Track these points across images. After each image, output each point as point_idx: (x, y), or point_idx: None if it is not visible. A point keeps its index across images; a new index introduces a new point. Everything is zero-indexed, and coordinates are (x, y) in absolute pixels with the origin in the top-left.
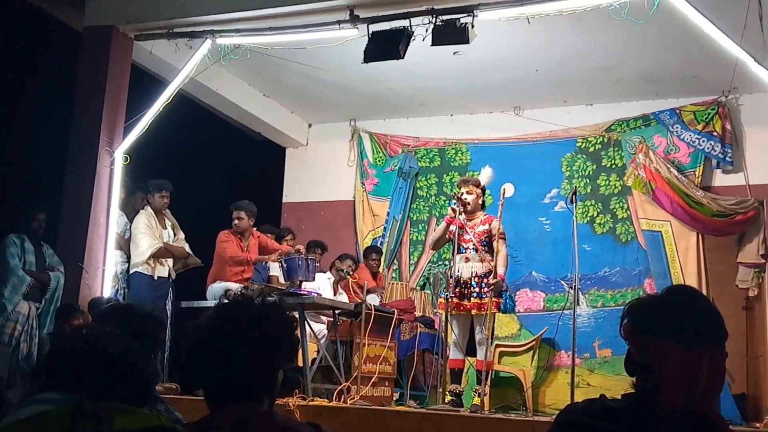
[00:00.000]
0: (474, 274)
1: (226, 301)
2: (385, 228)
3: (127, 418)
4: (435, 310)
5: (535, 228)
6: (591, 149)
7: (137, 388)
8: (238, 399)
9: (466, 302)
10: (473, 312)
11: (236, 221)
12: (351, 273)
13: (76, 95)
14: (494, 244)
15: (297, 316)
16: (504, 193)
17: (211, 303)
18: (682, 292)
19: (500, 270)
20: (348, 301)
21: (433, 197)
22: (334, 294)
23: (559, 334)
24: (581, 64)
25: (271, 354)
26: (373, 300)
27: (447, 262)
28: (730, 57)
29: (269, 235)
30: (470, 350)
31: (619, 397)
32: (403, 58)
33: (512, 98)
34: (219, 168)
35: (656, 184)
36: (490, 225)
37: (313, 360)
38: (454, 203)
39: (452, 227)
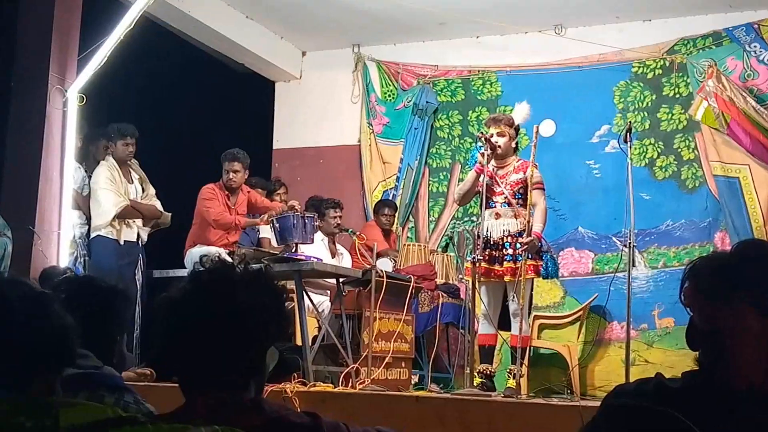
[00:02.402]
0: (506, 233)
1: (201, 268)
2: (398, 178)
3: (75, 412)
4: (460, 276)
5: (582, 174)
6: (649, 75)
7: (51, 348)
8: (218, 385)
9: (497, 267)
10: (506, 278)
11: (231, 175)
12: (355, 232)
13: (18, 23)
14: (530, 195)
15: (294, 286)
16: (537, 132)
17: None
18: (758, 247)
19: (537, 226)
20: (354, 267)
21: (457, 139)
22: (333, 257)
23: (611, 302)
24: None
25: (257, 331)
26: (384, 265)
27: (474, 219)
28: None
29: (259, 190)
30: (503, 323)
31: (680, 376)
32: None
33: (552, 14)
34: (194, 109)
35: (731, 116)
36: (525, 173)
37: (314, 338)
38: (482, 146)
39: (481, 179)
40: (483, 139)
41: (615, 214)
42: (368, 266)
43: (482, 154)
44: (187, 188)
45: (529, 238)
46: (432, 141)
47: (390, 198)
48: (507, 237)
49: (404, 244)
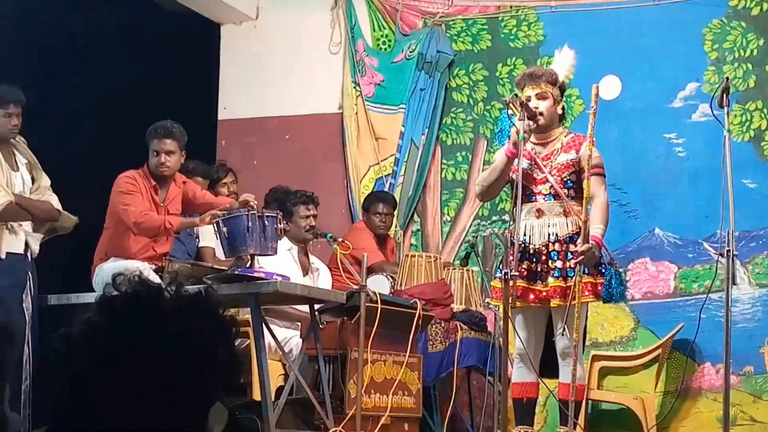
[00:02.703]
0: (553, 238)
1: (114, 292)
2: (397, 161)
3: None
4: (486, 301)
5: (659, 153)
6: (754, 11)
7: None
8: None
9: (539, 286)
10: (553, 303)
11: (162, 158)
12: (336, 239)
13: None
14: (585, 184)
15: (249, 316)
16: (597, 93)
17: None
18: None
19: (596, 229)
20: (335, 288)
21: (481, 104)
22: (305, 274)
23: (702, 336)
24: None
25: (195, 381)
26: (379, 285)
27: (507, 218)
28: None
29: (199, 179)
30: (548, 367)
31: None
32: None
33: None
34: (108, 67)
35: None
36: (578, 151)
37: (279, 390)
38: (514, 116)
39: (515, 163)
40: (516, 105)
41: (707, 210)
42: (355, 287)
43: (516, 131)
44: (97, 178)
45: (587, 246)
46: (446, 107)
47: (386, 189)
48: (553, 244)
49: (407, 255)
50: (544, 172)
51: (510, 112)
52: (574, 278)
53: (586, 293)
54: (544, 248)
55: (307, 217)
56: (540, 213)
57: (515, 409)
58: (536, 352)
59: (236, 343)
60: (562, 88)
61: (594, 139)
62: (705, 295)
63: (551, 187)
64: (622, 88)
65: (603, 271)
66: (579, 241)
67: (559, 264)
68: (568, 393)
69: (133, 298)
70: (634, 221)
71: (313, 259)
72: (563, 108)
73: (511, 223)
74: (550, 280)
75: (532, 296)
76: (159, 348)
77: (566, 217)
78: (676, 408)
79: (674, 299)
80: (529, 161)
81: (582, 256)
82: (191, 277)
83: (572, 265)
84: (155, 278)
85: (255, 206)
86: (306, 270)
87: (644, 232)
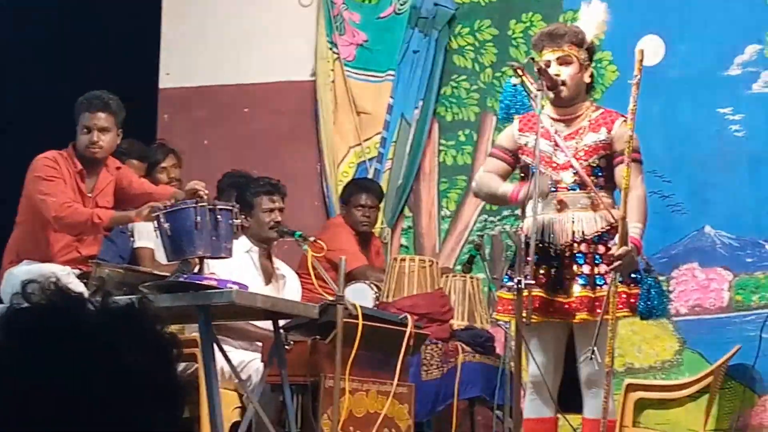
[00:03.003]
0: (579, 237)
1: (24, 304)
2: (384, 140)
3: None
4: (493, 316)
5: (711, 132)
6: None
7: None
8: None
9: (561, 297)
10: (578, 317)
11: (95, 136)
12: (307, 238)
13: None
14: (619, 171)
15: (197, 334)
16: (641, 58)
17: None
18: None
19: (633, 229)
20: (305, 299)
21: (489, 70)
22: (268, 282)
23: (763, 360)
24: None
25: (124, 416)
26: (361, 296)
27: (519, 213)
28: None
29: (134, 162)
30: (568, 399)
31: None
32: None
33: None
34: (22, 24)
35: None
36: (610, 130)
37: (235, 426)
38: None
39: (526, 140)
40: (525, 73)
41: None
42: (331, 298)
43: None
44: (7, 160)
45: (625, 249)
46: (445, 74)
47: (370, 176)
48: (579, 244)
49: (395, 259)
50: (567, 156)
51: (516, 81)
52: (608, 287)
53: (620, 306)
54: (567, 249)
55: (271, 210)
56: (562, 206)
57: None
58: (555, 380)
59: (179, 368)
60: (591, 51)
61: (633, 116)
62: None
63: (576, 174)
64: (666, 51)
65: (638, 279)
66: (615, 241)
67: (586, 269)
68: (595, 431)
69: (47, 312)
70: (680, 217)
71: (278, 263)
72: (591, 76)
73: (525, 218)
74: (576, 288)
75: (552, 310)
76: (78, 375)
77: (594, 212)
78: None
79: (729, 315)
80: (549, 142)
81: (619, 261)
82: (124, 284)
83: (602, 272)
84: (78, 286)
85: (205, 197)
86: (269, 277)
87: (692, 231)
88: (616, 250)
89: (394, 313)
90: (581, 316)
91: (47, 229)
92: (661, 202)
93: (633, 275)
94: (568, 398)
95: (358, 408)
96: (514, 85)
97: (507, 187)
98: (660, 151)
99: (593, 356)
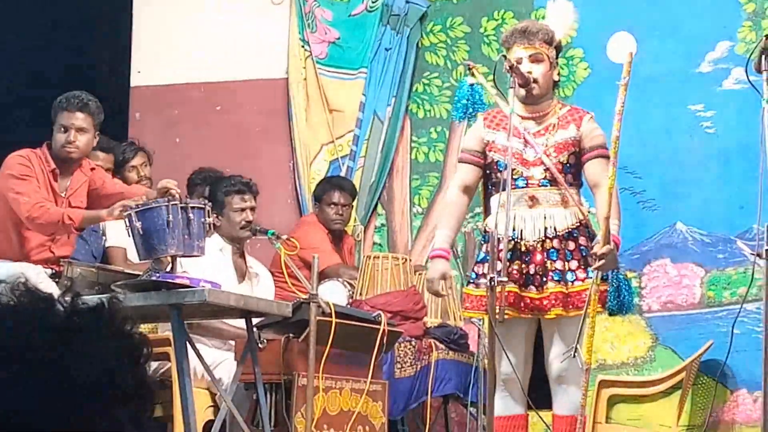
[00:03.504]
0: (551, 233)
1: None
2: (357, 138)
3: None
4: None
5: (682, 129)
6: None
7: None
8: None
9: (532, 292)
10: (551, 313)
11: (72, 135)
12: (280, 236)
13: None
14: (589, 168)
15: (170, 333)
16: (630, 60)
17: None
18: None
19: (613, 225)
20: (278, 298)
21: (461, 67)
22: (241, 281)
23: (735, 356)
24: None
25: (93, 417)
26: (334, 293)
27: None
28: None
29: (101, 154)
30: (542, 396)
31: None
32: None
33: None
34: None
35: None
36: (579, 127)
37: (208, 425)
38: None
39: (494, 137)
40: (478, 70)
41: (741, 200)
42: (304, 296)
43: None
44: None
45: (608, 247)
46: (417, 72)
47: (343, 174)
48: (551, 240)
49: (368, 257)
50: (537, 153)
51: (472, 80)
52: (577, 284)
53: (596, 306)
54: (539, 245)
55: (243, 210)
56: (534, 202)
57: None
58: (525, 376)
59: (150, 368)
60: (559, 50)
61: (620, 117)
62: (739, 306)
63: (547, 170)
64: (637, 48)
65: (606, 276)
66: (598, 240)
67: (558, 265)
68: (566, 428)
69: (15, 313)
70: (651, 214)
71: (252, 261)
72: (559, 74)
73: (489, 215)
74: (550, 285)
75: (523, 306)
76: (45, 375)
77: (565, 208)
78: None
79: (701, 311)
80: (518, 139)
81: (602, 261)
82: (96, 284)
83: (573, 268)
84: (49, 286)
85: (177, 195)
86: (243, 275)
87: (663, 228)
88: (598, 249)
89: (367, 311)
90: (556, 311)
91: (20, 227)
92: (632, 199)
93: (589, 272)
94: (537, 394)
95: (331, 406)
96: (471, 85)
97: (439, 240)
98: (631, 148)
99: (576, 354)
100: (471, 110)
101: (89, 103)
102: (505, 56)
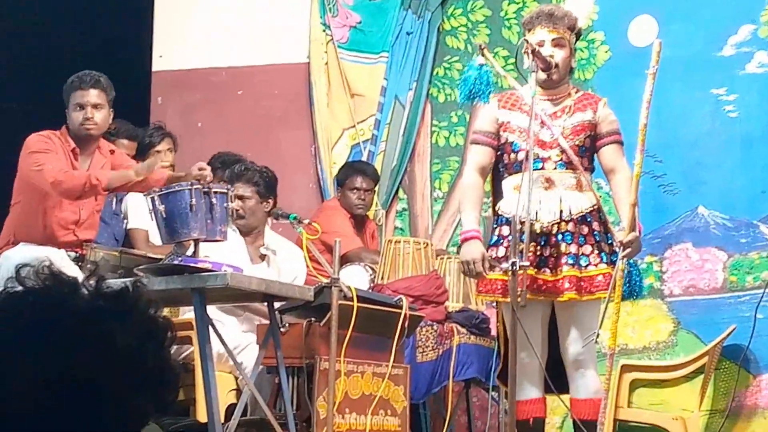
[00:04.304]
0: (566, 215)
1: (18, 287)
2: (378, 122)
3: None
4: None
5: (704, 113)
6: None
7: None
8: None
9: (547, 275)
10: (565, 296)
11: (88, 112)
12: (302, 221)
13: None
14: (603, 155)
15: (192, 316)
16: (659, 49)
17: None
18: None
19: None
20: (303, 276)
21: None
22: (255, 261)
23: (758, 340)
24: None
25: (118, 400)
26: (356, 278)
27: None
28: None
29: (124, 142)
30: (561, 379)
31: None
32: None
33: None
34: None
35: None
36: (595, 111)
37: (231, 409)
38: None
39: (508, 118)
40: (487, 52)
41: (764, 185)
42: (326, 280)
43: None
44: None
45: (633, 234)
46: (438, 56)
47: (365, 159)
48: (567, 223)
49: (390, 241)
50: (554, 135)
51: (481, 60)
52: (591, 268)
53: (604, 288)
54: (554, 228)
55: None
56: (550, 184)
57: (519, 431)
58: (542, 360)
59: (173, 351)
60: (578, 36)
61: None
62: (762, 290)
63: (563, 152)
64: (659, 31)
65: (615, 260)
66: (623, 227)
67: (573, 249)
68: (583, 412)
69: (41, 296)
70: (672, 198)
71: (273, 239)
72: (575, 61)
73: (502, 198)
74: (565, 268)
75: (534, 287)
76: (72, 359)
77: (580, 192)
78: (726, 430)
79: (723, 295)
80: (534, 121)
81: (629, 248)
82: (119, 267)
83: (587, 252)
84: (73, 270)
85: (208, 179)
86: (257, 256)
87: (685, 212)
88: (624, 237)
89: (389, 295)
90: (569, 295)
91: (43, 209)
92: (653, 183)
93: (613, 257)
94: (561, 378)
95: (353, 390)
96: (480, 66)
97: (469, 221)
98: (653, 131)
99: (582, 332)
100: (476, 92)
101: (100, 79)
102: (527, 40)
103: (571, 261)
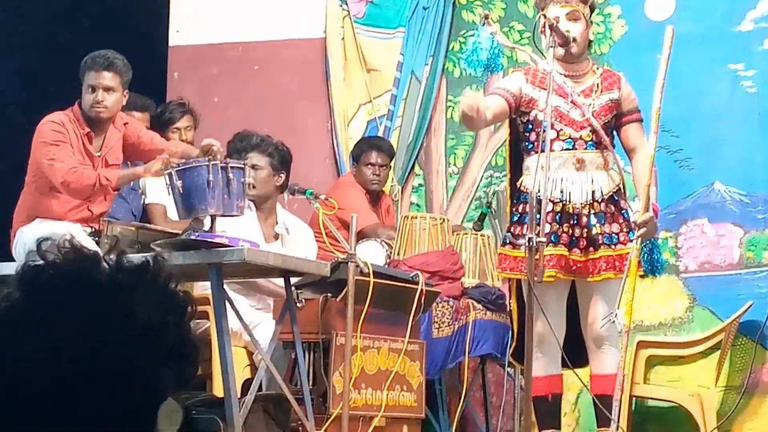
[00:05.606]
0: (599, 197)
1: (39, 261)
2: (394, 97)
3: None
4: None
5: (722, 89)
6: None
7: None
8: None
9: (576, 255)
10: (601, 276)
11: (100, 95)
12: (318, 196)
13: None
14: (626, 133)
15: (209, 291)
16: (672, 35)
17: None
18: None
19: (652, 193)
20: (314, 257)
21: (497, 25)
22: (269, 240)
23: None
24: None
25: (139, 373)
26: (372, 254)
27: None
28: None
29: (136, 114)
30: (578, 355)
31: None
32: None
33: None
34: None
35: None
36: (620, 89)
37: (247, 384)
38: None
39: (538, 96)
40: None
41: None
42: (342, 256)
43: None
44: (16, 121)
45: (648, 215)
46: (453, 30)
47: (381, 134)
48: (599, 203)
49: (406, 217)
50: (586, 114)
51: (493, 30)
52: (619, 246)
53: (624, 265)
54: (585, 209)
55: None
56: (581, 164)
57: (537, 409)
58: (560, 337)
59: (192, 326)
60: (593, 8)
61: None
62: None
63: (593, 132)
64: (676, 5)
65: (630, 236)
66: (639, 209)
67: (607, 228)
68: (604, 387)
69: (63, 270)
70: (689, 173)
71: (285, 218)
72: (593, 33)
73: (526, 175)
74: (602, 248)
75: (569, 267)
76: (94, 332)
77: (606, 171)
78: (742, 406)
79: (740, 271)
80: (565, 100)
81: (644, 229)
82: (136, 242)
83: (615, 231)
84: (91, 244)
85: (220, 155)
86: (278, 236)
87: (701, 187)
88: (639, 217)
89: (405, 270)
90: (606, 275)
91: (55, 188)
92: (669, 158)
93: (630, 235)
94: (579, 354)
95: (369, 365)
96: (492, 35)
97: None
98: (669, 105)
99: (608, 310)
100: (492, 64)
101: (116, 61)
102: (544, 15)
103: (607, 241)
